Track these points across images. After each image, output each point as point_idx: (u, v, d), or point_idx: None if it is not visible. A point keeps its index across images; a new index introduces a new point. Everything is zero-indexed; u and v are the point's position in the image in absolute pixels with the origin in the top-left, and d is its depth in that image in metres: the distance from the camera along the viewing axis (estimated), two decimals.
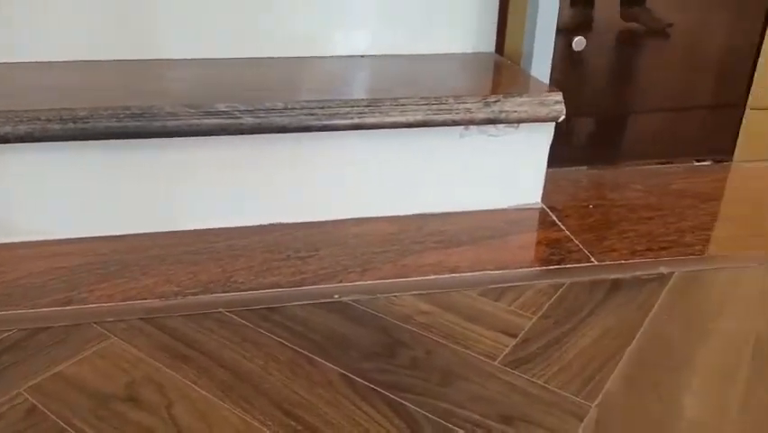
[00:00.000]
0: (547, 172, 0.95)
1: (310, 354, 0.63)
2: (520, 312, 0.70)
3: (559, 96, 0.87)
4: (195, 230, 0.85)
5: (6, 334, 0.64)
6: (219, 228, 0.86)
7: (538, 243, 0.85)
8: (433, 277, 0.77)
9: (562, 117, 0.88)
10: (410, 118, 0.84)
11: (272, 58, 1.00)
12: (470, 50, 1.09)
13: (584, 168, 1.09)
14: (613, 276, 0.77)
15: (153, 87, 0.88)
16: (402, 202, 0.91)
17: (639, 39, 1.07)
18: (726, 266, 0.79)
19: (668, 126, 1.13)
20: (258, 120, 0.80)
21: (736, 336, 0.66)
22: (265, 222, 0.88)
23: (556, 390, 0.59)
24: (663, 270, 0.78)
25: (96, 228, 0.83)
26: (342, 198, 0.90)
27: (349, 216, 0.90)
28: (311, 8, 1.00)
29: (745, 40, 1.07)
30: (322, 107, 0.81)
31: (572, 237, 0.86)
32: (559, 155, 1.08)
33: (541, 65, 1.00)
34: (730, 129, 1.11)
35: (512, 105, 0.86)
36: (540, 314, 0.70)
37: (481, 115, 0.86)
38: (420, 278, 0.76)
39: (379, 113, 0.83)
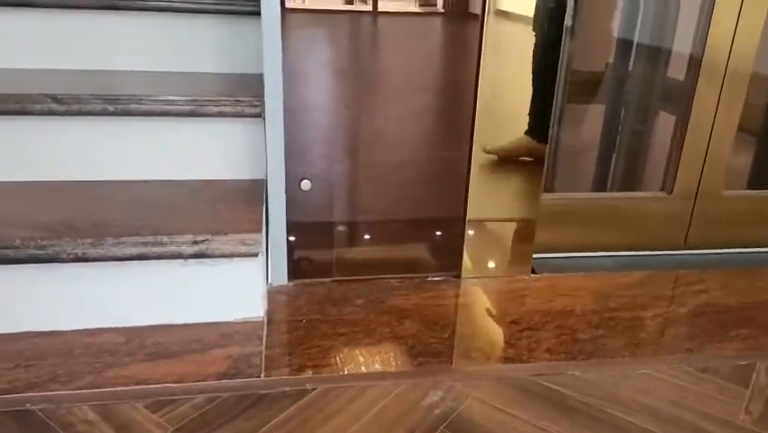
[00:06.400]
0: (293, 284, 1.16)
1: None
2: (164, 424, 0.88)
3: (257, 237, 1.08)
4: None
5: None
6: None
7: (229, 357, 1.04)
8: (119, 389, 0.95)
9: (261, 254, 1.09)
10: (127, 253, 1.04)
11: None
12: (242, 177, 1.31)
13: (328, 280, 1.29)
14: (262, 391, 0.96)
15: None
16: (137, 316, 1.10)
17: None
18: (354, 384, 0.98)
19: (404, 244, 1.34)
20: None
21: None
22: (16, 330, 1.07)
23: None
24: (309, 385, 0.97)
25: None
26: (77, 311, 1.08)
27: (87, 327, 1.09)
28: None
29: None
30: (52, 244, 1.02)
31: (264, 352, 1.05)
32: (307, 268, 1.29)
33: (276, 198, 1.22)
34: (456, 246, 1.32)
35: (217, 245, 1.07)
36: (177, 426, 0.88)
37: (191, 251, 1.06)
38: (107, 389, 0.95)
39: (102, 248, 1.03)
